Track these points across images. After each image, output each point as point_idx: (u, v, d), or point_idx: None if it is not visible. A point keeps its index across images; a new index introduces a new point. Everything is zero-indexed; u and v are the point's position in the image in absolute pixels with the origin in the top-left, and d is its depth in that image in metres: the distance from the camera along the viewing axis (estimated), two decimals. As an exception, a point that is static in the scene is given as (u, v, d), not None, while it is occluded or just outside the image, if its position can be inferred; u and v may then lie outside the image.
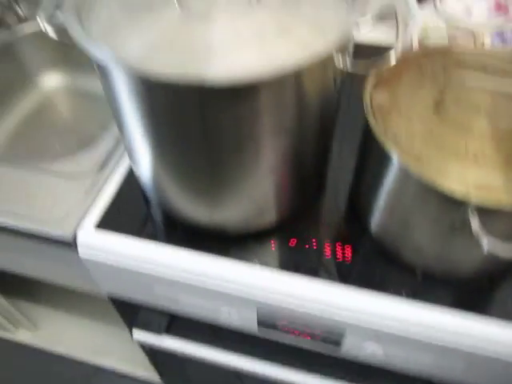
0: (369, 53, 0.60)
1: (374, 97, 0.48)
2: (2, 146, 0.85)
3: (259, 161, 0.45)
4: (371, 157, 0.50)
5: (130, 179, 0.61)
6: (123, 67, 0.36)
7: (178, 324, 0.68)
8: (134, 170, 0.56)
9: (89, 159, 0.64)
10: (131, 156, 0.53)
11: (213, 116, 0.39)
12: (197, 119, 0.40)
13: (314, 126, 0.46)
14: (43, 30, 0.44)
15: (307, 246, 0.54)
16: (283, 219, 0.55)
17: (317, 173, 0.55)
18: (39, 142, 0.86)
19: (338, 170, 0.61)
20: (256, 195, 0.50)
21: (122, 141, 0.53)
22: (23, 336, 1.27)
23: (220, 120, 0.40)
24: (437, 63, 0.52)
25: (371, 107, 0.47)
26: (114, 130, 0.69)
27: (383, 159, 0.45)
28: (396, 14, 0.42)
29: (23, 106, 0.91)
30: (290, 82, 0.39)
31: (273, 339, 0.61)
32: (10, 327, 1.24)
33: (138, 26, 0.41)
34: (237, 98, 0.38)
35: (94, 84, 0.92)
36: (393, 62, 0.40)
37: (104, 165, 0.63)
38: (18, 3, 0.87)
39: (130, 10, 0.42)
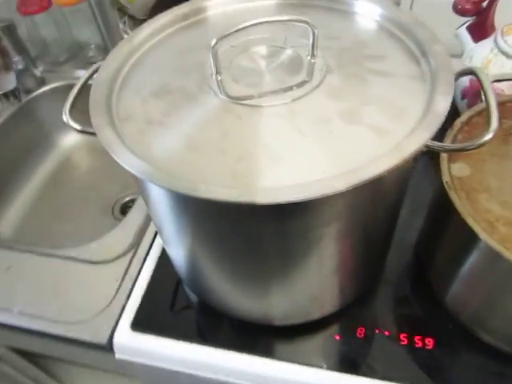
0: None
1: (451, 169, 0.41)
2: (20, 221, 0.79)
3: (319, 264, 0.38)
4: (454, 236, 0.42)
5: (164, 262, 0.54)
6: (158, 184, 0.29)
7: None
8: (169, 254, 0.49)
9: (119, 239, 0.58)
10: (166, 245, 0.46)
11: (265, 231, 0.33)
12: (246, 234, 0.34)
13: (383, 219, 0.39)
14: (67, 123, 0.38)
15: (377, 334, 0.46)
16: (345, 305, 0.47)
17: (381, 254, 0.47)
18: (60, 212, 0.80)
19: (402, 239, 0.54)
20: (312, 288, 0.42)
21: (157, 230, 0.47)
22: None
23: (273, 235, 0.33)
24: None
25: (452, 182, 0.40)
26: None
27: (475, 245, 0.38)
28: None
29: (43, 169, 0.86)
30: (368, 187, 0.32)
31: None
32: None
33: (174, 120, 0.34)
34: (295, 214, 0.31)
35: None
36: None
37: (135, 244, 0.57)
38: (35, 66, 0.83)
39: (164, 100, 0.36)
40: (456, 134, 0.44)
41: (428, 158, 0.46)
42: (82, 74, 0.40)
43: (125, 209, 0.80)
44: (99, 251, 0.56)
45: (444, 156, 0.42)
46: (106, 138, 0.33)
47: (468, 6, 0.63)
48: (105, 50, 0.92)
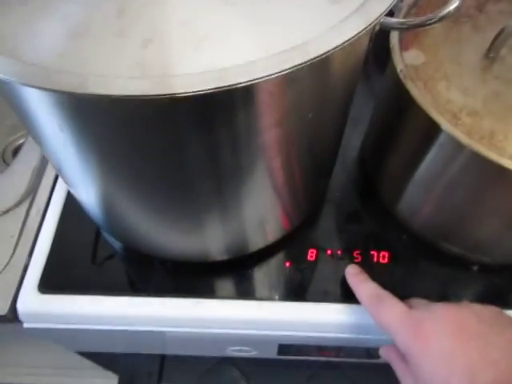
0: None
1: (404, 57, 0.35)
2: None
3: (259, 180, 0.31)
4: (408, 133, 0.37)
5: (74, 207, 0.44)
6: (28, 83, 0.19)
7: (173, 365, 0.56)
8: (78, 198, 0.39)
9: (8, 187, 0.46)
10: (71, 186, 0.37)
11: (190, 140, 0.25)
12: (166, 148, 0.25)
13: (334, 118, 0.32)
14: None
15: (329, 254, 0.42)
16: (292, 229, 0.42)
17: (330, 164, 0.42)
18: None
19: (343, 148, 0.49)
20: (254, 212, 0.36)
21: (55, 170, 0.37)
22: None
23: (200, 144, 0.25)
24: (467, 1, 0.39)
25: (407, 72, 0.34)
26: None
27: (435, 139, 0.33)
28: None
29: None
30: (324, 66, 0.24)
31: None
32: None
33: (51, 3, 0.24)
34: (231, 108, 0.23)
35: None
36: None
37: (31, 191, 0.46)
38: None
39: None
40: (404, 17, 0.37)
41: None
42: None
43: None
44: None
45: (395, 43, 0.35)
46: None
47: None
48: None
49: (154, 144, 0.25)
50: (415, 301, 0.35)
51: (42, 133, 0.27)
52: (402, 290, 0.38)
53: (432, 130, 0.33)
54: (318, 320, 0.39)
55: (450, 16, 0.26)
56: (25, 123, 0.29)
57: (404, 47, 0.36)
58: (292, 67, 0.20)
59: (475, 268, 0.41)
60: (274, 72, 0.20)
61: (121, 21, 0.22)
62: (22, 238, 0.42)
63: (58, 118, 0.23)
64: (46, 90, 0.19)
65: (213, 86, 0.19)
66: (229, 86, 0.19)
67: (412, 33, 0.37)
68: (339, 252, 0.42)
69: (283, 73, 0.20)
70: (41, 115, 0.24)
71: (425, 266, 0.41)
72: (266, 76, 0.20)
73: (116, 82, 0.19)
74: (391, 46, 0.35)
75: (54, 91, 0.18)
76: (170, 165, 0.27)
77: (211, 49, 0.21)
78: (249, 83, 0.20)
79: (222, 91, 0.19)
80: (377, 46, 0.29)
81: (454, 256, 0.41)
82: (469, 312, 0.30)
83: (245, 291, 0.40)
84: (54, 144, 0.28)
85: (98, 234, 0.44)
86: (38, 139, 0.30)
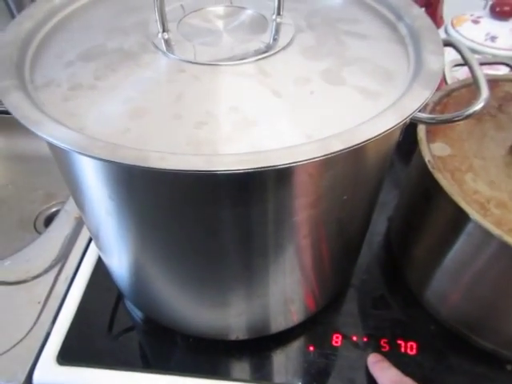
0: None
1: (431, 149, 0.37)
2: None
3: (289, 262, 0.32)
4: (437, 221, 0.38)
5: (100, 277, 0.45)
6: (95, 155, 0.21)
7: None
8: (108, 265, 0.40)
9: (40, 253, 0.47)
10: (104, 253, 0.38)
11: (230, 217, 0.26)
12: (206, 223, 0.27)
13: (365, 203, 0.34)
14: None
15: (355, 340, 0.41)
16: (318, 311, 0.41)
17: (358, 246, 0.42)
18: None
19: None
20: (281, 293, 0.36)
21: (92, 236, 0.38)
22: None
23: (238, 221, 0.27)
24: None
25: (434, 162, 0.36)
26: (71, 205, 0.54)
27: (464, 228, 0.34)
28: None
29: None
30: (359, 154, 0.26)
31: None
32: None
33: (110, 83, 0.27)
34: (275, 186, 0.25)
35: (35, 144, 0.75)
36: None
37: (62, 258, 0.47)
38: None
39: (96, 62, 0.28)
40: (430, 113, 0.40)
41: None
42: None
43: (51, 221, 0.68)
44: (15, 269, 0.46)
45: (422, 136, 0.38)
46: (15, 102, 0.24)
47: (417, -3, 0.62)
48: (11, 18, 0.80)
49: (194, 215, 0.26)
50: None
51: (90, 200, 0.29)
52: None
53: (460, 219, 0.33)
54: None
55: (475, 114, 0.29)
56: (74, 190, 0.31)
57: (430, 140, 0.38)
58: (331, 153, 0.22)
59: (509, 367, 0.39)
60: (314, 156, 0.21)
61: (178, 104, 0.25)
62: (48, 304, 0.42)
63: (110, 188, 0.25)
64: (108, 161, 0.21)
65: (257, 166, 0.21)
66: (272, 166, 0.21)
67: (437, 127, 0.39)
68: (365, 339, 0.41)
69: (322, 158, 0.22)
70: (94, 184, 0.26)
71: (454, 361, 0.39)
72: (307, 160, 0.21)
73: (172, 158, 0.21)
74: (419, 138, 0.37)
75: (116, 163, 0.20)
76: (205, 237, 0.28)
77: (257, 133, 0.23)
78: (290, 165, 0.21)
79: (266, 171, 0.21)
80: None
81: (486, 351, 0.39)
82: None
83: (265, 375, 0.39)
84: (98, 210, 0.30)
85: (119, 305, 0.43)
86: (82, 205, 0.32)
